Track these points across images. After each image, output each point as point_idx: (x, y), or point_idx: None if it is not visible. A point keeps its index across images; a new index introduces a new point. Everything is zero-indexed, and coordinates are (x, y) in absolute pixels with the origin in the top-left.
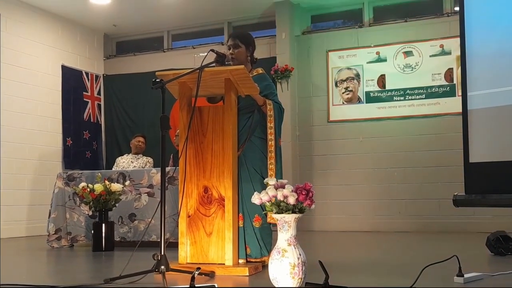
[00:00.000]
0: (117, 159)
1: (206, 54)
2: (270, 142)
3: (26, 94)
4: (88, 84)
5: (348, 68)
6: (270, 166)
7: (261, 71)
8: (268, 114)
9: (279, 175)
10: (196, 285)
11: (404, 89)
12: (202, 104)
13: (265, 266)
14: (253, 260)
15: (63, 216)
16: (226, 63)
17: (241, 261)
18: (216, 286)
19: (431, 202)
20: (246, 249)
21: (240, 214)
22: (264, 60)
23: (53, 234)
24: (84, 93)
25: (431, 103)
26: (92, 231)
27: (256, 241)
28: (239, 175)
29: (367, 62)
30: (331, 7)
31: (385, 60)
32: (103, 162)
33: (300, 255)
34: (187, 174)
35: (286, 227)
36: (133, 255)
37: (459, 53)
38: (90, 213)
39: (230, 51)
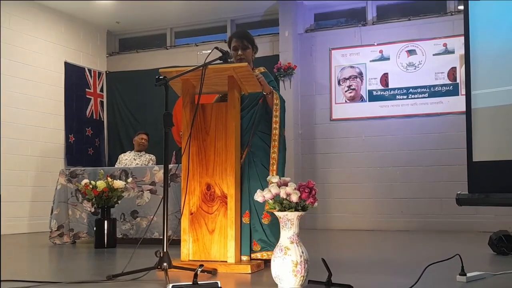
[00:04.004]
0: (119, 156)
1: (210, 51)
2: (274, 131)
3: (29, 91)
4: (91, 81)
5: (351, 67)
6: (273, 155)
7: (263, 70)
8: (274, 103)
9: (281, 165)
10: (198, 282)
11: (407, 88)
12: (206, 101)
13: (267, 263)
14: (265, 253)
15: (65, 213)
16: (229, 60)
17: (245, 258)
18: (219, 283)
19: (434, 201)
20: (253, 245)
21: (247, 211)
22: (267, 58)
23: (55, 230)
24: (87, 90)
25: (434, 102)
26: (95, 228)
27: (266, 238)
28: (247, 172)
29: (370, 61)
30: (335, 5)
31: (388, 59)
32: (106, 159)
33: (302, 253)
34: (189, 172)
35: (288, 225)
36: (135, 252)
37: (462, 52)
38: (93, 210)
39: (239, 52)
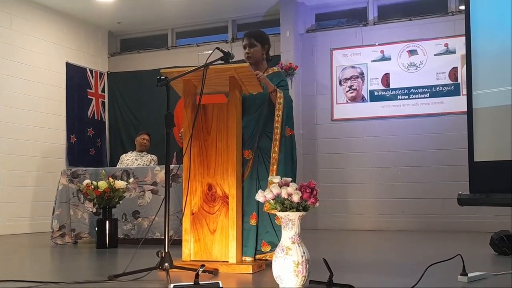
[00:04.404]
0: (121, 156)
1: (211, 52)
2: (275, 130)
3: (31, 91)
4: (92, 82)
5: (352, 67)
6: (273, 155)
7: (276, 69)
8: (277, 101)
9: (282, 165)
10: (200, 282)
11: (408, 88)
12: (207, 101)
13: (268, 264)
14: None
15: (67, 213)
16: (230, 61)
17: (249, 259)
18: (220, 283)
19: (435, 201)
20: (262, 246)
21: (254, 213)
22: None
23: (57, 231)
24: (88, 90)
25: (435, 102)
26: (96, 228)
27: (277, 240)
28: (256, 172)
29: (372, 61)
30: (336, 6)
31: (389, 59)
32: (107, 160)
33: (304, 253)
34: (191, 172)
35: (290, 225)
36: (136, 252)
37: (463, 52)
38: (94, 210)
39: (246, 50)
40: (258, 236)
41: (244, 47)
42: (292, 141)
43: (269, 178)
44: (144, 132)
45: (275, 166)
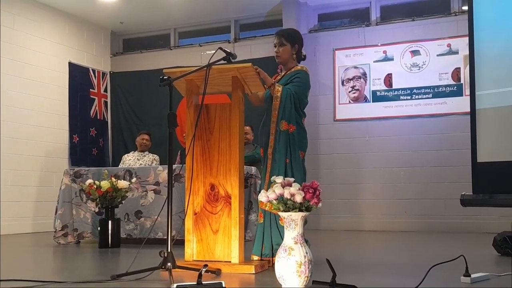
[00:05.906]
0: (123, 156)
1: (214, 52)
2: (272, 125)
3: (33, 91)
4: (95, 81)
5: (355, 67)
6: (269, 150)
7: (299, 67)
8: (274, 95)
9: (274, 161)
10: (203, 282)
11: (411, 88)
12: (210, 101)
13: (271, 264)
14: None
15: (69, 213)
16: (233, 61)
17: (256, 258)
18: (223, 283)
19: (438, 202)
20: (262, 247)
21: (260, 212)
22: (271, 58)
23: (59, 230)
24: (91, 90)
25: (438, 103)
26: (99, 228)
27: (280, 240)
28: (265, 169)
29: (374, 61)
30: (338, 6)
31: (392, 59)
32: (110, 159)
33: (306, 253)
34: (193, 172)
35: (292, 225)
36: (139, 252)
37: (466, 52)
38: (97, 210)
39: (276, 49)
40: (263, 235)
41: (274, 46)
42: (288, 136)
43: (272, 178)
44: (143, 132)
45: (270, 161)
